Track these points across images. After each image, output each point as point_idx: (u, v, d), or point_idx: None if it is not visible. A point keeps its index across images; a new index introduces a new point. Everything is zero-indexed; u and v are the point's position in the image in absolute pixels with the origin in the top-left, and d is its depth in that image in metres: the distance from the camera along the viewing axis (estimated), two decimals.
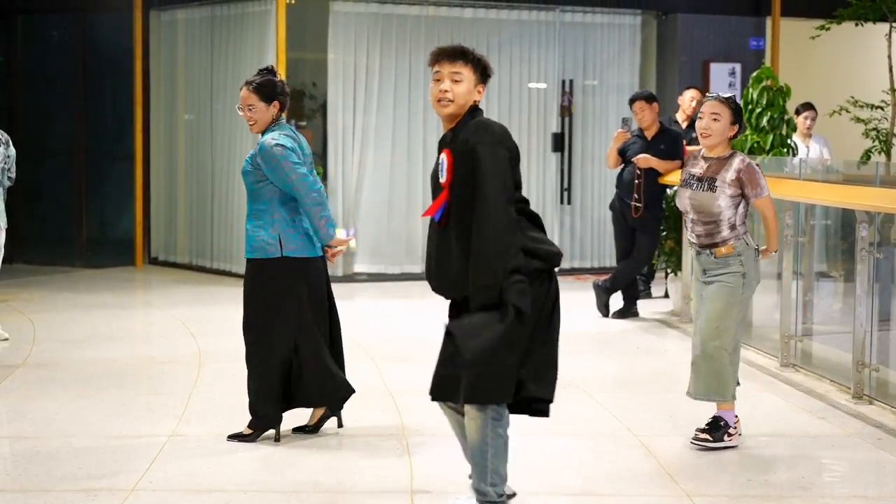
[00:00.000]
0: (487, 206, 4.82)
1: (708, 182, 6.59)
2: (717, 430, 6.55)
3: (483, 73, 5.10)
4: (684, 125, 11.52)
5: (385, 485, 5.85)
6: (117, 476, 5.93)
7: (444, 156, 5.00)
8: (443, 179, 4.98)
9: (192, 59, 14.24)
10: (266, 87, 6.61)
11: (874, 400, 7.51)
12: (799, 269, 8.91)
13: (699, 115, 6.73)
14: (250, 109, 6.60)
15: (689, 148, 11.04)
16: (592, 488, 5.86)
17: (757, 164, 6.68)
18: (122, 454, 6.34)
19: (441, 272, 5.04)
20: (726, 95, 6.76)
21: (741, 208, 6.59)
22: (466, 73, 5.05)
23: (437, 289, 5.10)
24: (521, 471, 6.09)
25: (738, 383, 6.71)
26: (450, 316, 5.14)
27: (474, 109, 5.08)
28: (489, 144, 4.93)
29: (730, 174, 6.58)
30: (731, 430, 6.58)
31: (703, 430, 6.57)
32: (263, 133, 6.60)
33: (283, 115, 6.70)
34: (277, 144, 6.46)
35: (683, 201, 6.70)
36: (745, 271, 6.57)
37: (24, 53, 14.78)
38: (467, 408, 4.98)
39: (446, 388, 4.93)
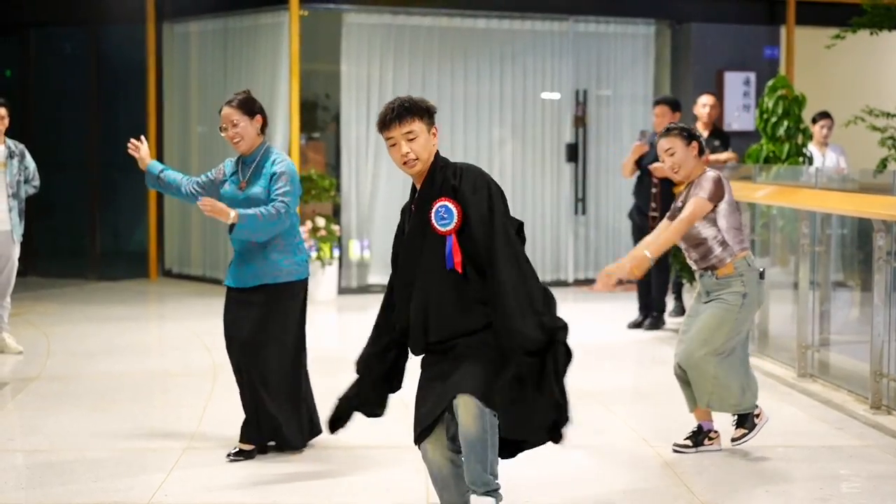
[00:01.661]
0: (511, 247, 4.89)
1: (681, 208, 6.61)
2: (698, 435, 6.68)
3: (429, 115, 5.06)
4: (705, 134, 11.44)
5: (401, 498, 5.82)
6: (132, 489, 5.92)
7: (448, 204, 4.94)
8: (450, 227, 4.92)
9: (204, 72, 14.25)
10: (248, 103, 6.60)
11: (892, 410, 7.46)
12: (815, 279, 8.87)
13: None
14: (235, 126, 6.56)
15: (711, 157, 10.99)
16: (609, 499, 5.82)
17: (723, 177, 6.61)
18: (138, 467, 6.33)
19: (443, 317, 4.93)
20: (666, 127, 6.79)
21: (723, 222, 6.51)
22: (417, 127, 5.00)
23: (433, 334, 4.97)
24: (537, 482, 6.07)
25: (756, 398, 6.68)
26: (429, 365, 5.05)
27: (437, 155, 5.09)
28: (493, 184, 5.04)
29: (694, 191, 6.57)
30: (712, 435, 6.69)
31: (686, 439, 6.69)
32: (254, 153, 6.57)
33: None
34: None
35: None
36: (747, 291, 6.51)
37: (36, 66, 14.81)
38: (468, 400, 4.81)
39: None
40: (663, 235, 6.64)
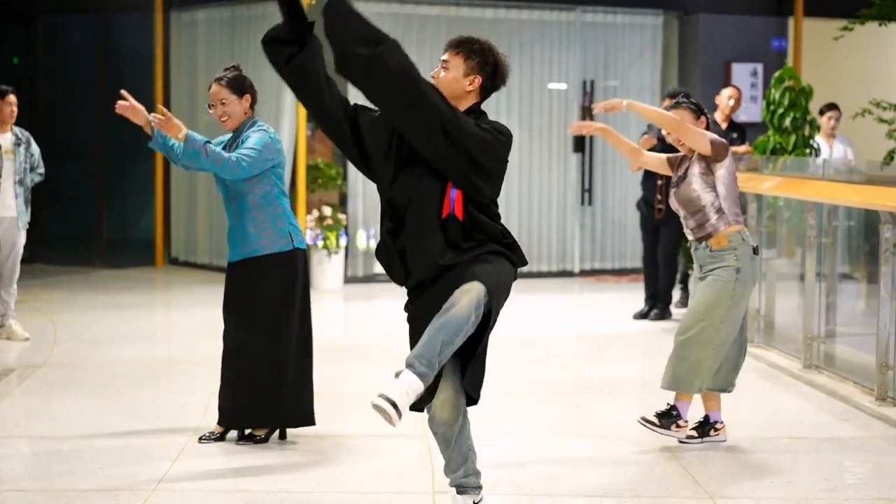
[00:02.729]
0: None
1: (683, 175, 6.62)
2: (668, 417, 6.60)
3: (477, 64, 4.94)
4: (723, 126, 11.40)
5: (407, 485, 5.83)
6: (139, 476, 5.93)
7: None
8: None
9: (212, 60, 14.24)
10: (237, 81, 6.59)
11: None
12: (822, 271, 8.86)
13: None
14: (223, 104, 6.56)
15: (732, 149, 10.97)
16: (615, 490, 5.83)
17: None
18: (144, 454, 6.34)
19: (424, 254, 4.84)
20: (676, 101, 6.86)
21: (721, 189, 6.51)
22: (454, 62, 4.95)
23: (419, 273, 4.89)
24: (543, 472, 6.08)
25: (733, 386, 6.68)
26: (413, 303, 5.02)
27: (474, 108, 4.98)
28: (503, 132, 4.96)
29: (694, 157, 6.59)
30: (681, 423, 6.61)
31: (655, 414, 6.62)
32: (240, 128, 6.55)
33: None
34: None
35: (673, 202, 6.72)
36: (740, 266, 6.46)
37: (44, 55, 14.82)
38: (475, 284, 4.69)
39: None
40: (658, 112, 6.73)
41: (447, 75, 4.96)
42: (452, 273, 4.79)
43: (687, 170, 6.60)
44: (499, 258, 4.86)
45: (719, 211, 6.51)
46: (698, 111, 6.74)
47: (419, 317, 4.91)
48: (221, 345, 6.67)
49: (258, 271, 6.48)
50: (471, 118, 4.85)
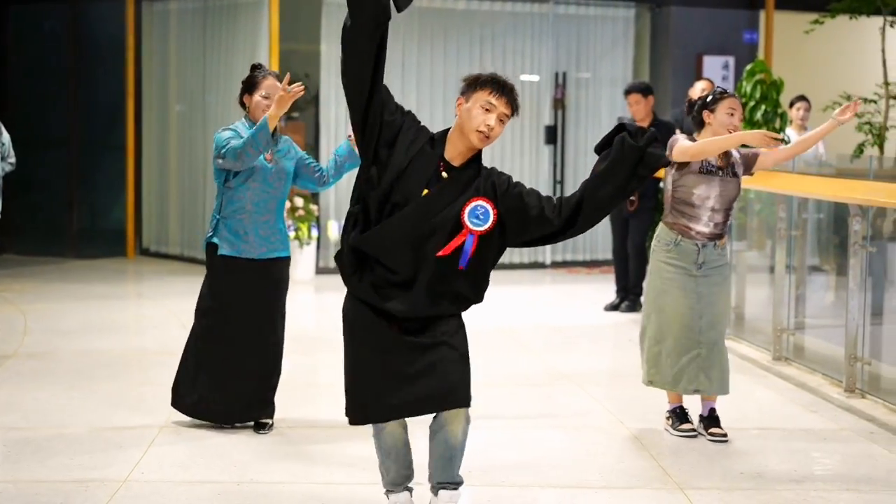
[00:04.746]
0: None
1: (730, 170, 6.60)
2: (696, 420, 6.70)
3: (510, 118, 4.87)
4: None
5: (378, 476, 5.83)
6: (110, 467, 5.92)
7: (488, 206, 4.75)
8: (482, 228, 4.72)
9: (184, 50, 14.20)
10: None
11: (866, 394, 7.52)
12: (792, 263, 8.92)
13: (730, 110, 6.58)
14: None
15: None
16: (585, 481, 5.85)
17: None
18: (115, 445, 6.33)
19: (433, 299, 4.77)
20: (723, 91, 6.73)
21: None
22: (507, 118, 4.81)
23: (416, 311, 4.80)
24: (513, 464, 6.10)
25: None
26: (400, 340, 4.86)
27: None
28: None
29: (735, 155, 6.65)
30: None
31: (716, 425, 6.61)
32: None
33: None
34: None
35: (710, 190, 6.54)
36: (727, 262, 6.72)
37: (15, 43, 14.74)
38: (462, 412, 4.89)
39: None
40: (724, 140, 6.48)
41: (501, 129, 4.81)
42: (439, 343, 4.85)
43: (732, 167, 6.62)
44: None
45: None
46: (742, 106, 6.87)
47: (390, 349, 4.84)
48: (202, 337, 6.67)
49: (277, 270, 6.64)
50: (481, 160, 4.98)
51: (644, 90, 10.76)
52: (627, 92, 10.89)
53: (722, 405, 6.71)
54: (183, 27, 14.21)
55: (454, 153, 4.80)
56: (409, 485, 5.12)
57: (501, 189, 4.78)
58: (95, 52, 14.53)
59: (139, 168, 14.53)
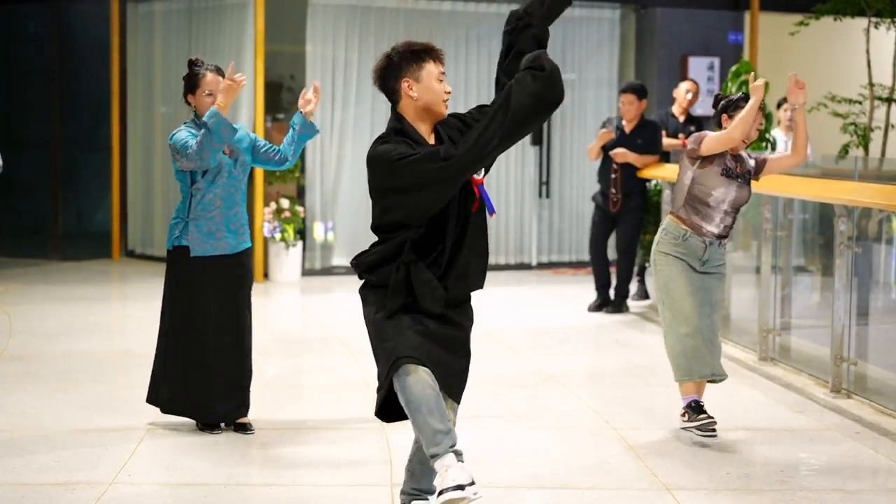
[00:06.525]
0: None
1: (745, 177, 6.69)
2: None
3: None
4: (681, 118, 11.46)
5: (365, 478, 5.83)
6: (95, 469, 5.90)
7: None
8: (482, 175, 4.86)
9: (169, 52, 14.17)
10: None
11: (852, 394, 7.53)
12: (777, 264, 8.93)
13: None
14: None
15: (671, 141, 11.10)
16: (571, 481, 5.85)
17: None
18: (100, 447, 6.31)
19: (477, 266, 4.92)
20: (742, 95, 6.91)
21: None
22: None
23: (470, 289, 4.98)
24: (499, 464, 6.09)
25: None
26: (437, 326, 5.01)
27: None
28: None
29: (750, 163, 6.75)
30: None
31: (709, 415, 6.61)
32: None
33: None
34: None
35: (727, 194, 6.60)
36: (726, 261, 6.82)
37: None
38: (452, 405, 5.05)
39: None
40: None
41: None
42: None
43: (747, 174, 6.69)
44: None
45: None
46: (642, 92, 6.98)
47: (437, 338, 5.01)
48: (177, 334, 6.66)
49: (247, 262, 6.73)
50: None
51: (640, 92, 10.84)
52: (623, 91, 10.95)
53: (708, 406, 6.71)
54: (168, 28, 14.18)
55: (426, 132, 4.88)
56: (457, 448, 4.76)
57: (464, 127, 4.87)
58: (80, 54, 14.50)
59: (124, 169, 14.49)
